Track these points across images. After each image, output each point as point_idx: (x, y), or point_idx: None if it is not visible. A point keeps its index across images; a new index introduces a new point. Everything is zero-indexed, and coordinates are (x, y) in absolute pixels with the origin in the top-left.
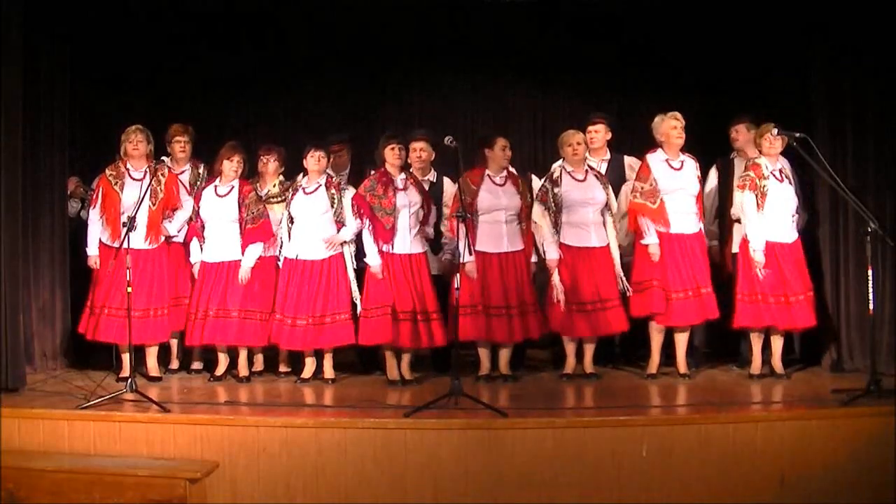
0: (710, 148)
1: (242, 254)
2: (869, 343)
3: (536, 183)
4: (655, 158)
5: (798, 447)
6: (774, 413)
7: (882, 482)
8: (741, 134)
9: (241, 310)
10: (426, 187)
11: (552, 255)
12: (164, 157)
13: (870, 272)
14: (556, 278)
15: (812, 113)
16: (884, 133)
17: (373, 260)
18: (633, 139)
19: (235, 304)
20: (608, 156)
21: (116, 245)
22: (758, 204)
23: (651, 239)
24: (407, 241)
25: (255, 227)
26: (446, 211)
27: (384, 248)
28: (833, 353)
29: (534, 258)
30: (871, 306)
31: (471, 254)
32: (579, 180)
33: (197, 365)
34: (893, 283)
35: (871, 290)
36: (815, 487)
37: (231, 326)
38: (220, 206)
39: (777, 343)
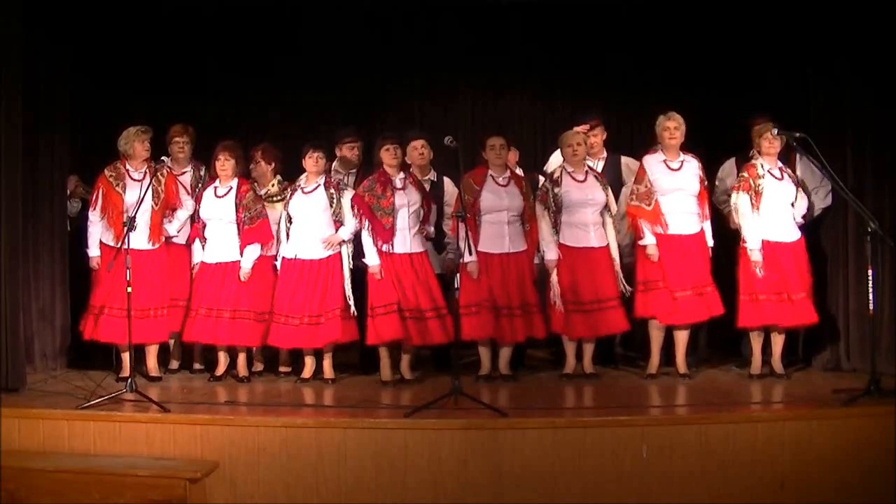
0: (711, 148)
1: (241, 254)
2: (869, 343)
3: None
4: (653, 159)
5: (798, 447)
6: (774, 413)
7: (882, 482)
8: None
9: (233, 310)
10: (427, 187)
11: (550, 255)
12: (163, 158)
13: (870, 272)
14: (554, 279)
15: (812, 113)
16: (883, 133)
17: (371, 260)
18: (635, 140)
19: (228, 303)
20: (604, 155)
21: (118, 245)
22: (752, 204)
23: (648, 240)
24: (407, 241)
25: (252, 227)
26: (448, 210)
27: (384, 248)
28: (833, 353)
29: (551, 255)
30: (871, 306)
31: (471, 253)
32: (579, 181)
33: (197, 365)
34: (893, 283)
35: (871, 290)
36: (815, 488)
37: (222, 326)
38: (218, 206)
39: (777, 343)
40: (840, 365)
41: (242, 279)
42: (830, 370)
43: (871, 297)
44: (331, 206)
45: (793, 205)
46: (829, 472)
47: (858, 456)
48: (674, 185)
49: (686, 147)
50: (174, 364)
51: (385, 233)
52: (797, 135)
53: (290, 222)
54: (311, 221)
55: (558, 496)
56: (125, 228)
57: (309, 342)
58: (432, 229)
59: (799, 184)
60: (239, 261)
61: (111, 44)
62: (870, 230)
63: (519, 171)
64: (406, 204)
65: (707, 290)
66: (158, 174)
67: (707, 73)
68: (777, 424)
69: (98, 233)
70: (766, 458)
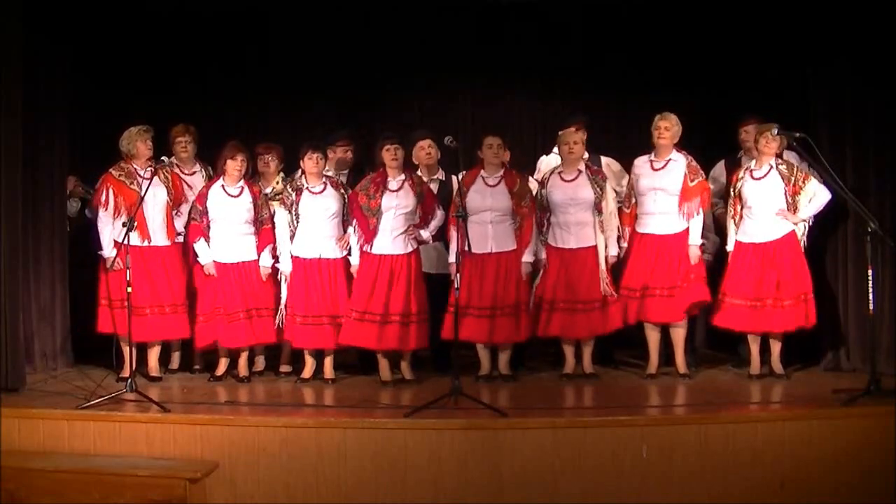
0: (710, 148)
1: (259, 254)
2: (869, 343)
3: (533, 184)
4: (641, 160)
5: (798, 447)
6: (774, 413)
7: (882, 482)
8: (750, 134)
9: (248, 309)
10: (435, 187)
11: (528, 257)
12: (163, 158)
13: (870, 272)
14: (537, 280)
15: (812, 113)
16: (884, 133)
17: (354, 259)
18: (634, 140)
19: (245, 303)
20: (585, 155)
21: (146, 244)
22: (731, 208)
23: (622, 244)
24: (388, 243)
25: (269, 227)
26: None
27: (365, 247)
28: (832, 353)
29: (527, 258)
30: (871, 306)
31: (468, 251)
32: (567, 180)
33: (198, 365)
34: (893, 283)
35: (871, 290)
36: (815, 488)
37: (243, 327)
38: (233, 206)
39: (776, 344)
40: (840, 365)
41: (264, 279)
42: (830, 370)
43: (871, 297)
44: (343, 205)
45: (789, 203)
46: (829, 472)
47: (858, 456)
48: (652, 185)
49: (685, 147)
50: (174, 364)
51: (368, 232)
52: (797, 135)
53: (297, 222)
54: (323, 221)
55: (558, 496)
56: (124, 228)
57: (328, 342)
58: (427, 234)
59: (799, 179)
60: (255, 260)
61: (111, 44)
62: (870, 230)
63: (511, 171)
64: (394, 207)
65: (668, 291)
66: (164, 172)
67: (707, 73)
68: (777, 424)
69: (110, 233)
70: (766, 458)
